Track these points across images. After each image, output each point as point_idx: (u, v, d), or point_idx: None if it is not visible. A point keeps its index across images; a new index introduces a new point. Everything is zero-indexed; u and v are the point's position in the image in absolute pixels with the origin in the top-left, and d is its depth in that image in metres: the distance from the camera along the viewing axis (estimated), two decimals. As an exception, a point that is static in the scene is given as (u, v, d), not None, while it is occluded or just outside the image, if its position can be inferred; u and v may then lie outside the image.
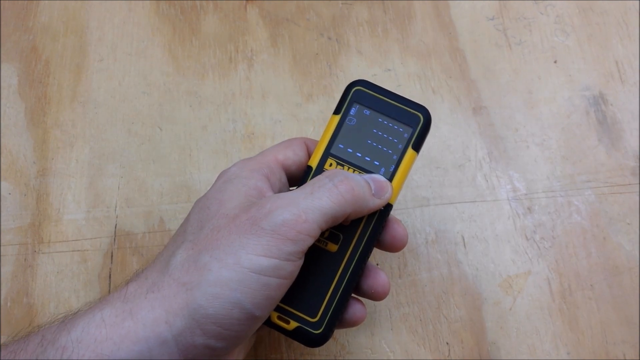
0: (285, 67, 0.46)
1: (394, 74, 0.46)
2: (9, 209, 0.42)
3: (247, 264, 0.25)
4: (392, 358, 0.38)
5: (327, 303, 0.30)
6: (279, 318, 0.30)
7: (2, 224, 0.41)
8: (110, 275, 0.40)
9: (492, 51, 0.47)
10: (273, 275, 0.26)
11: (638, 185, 0.43)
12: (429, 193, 0.43)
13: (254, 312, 0.26)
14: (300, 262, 0.28)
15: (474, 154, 0.44)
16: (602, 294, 0.40)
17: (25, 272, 0.40)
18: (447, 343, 0.39)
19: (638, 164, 0.43)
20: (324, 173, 0.30)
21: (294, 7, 0.48)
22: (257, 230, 0.26)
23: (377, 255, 0.41)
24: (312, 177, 0.31)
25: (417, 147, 0.32)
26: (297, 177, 0.33)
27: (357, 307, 0.32)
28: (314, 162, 0.32)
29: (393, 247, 0.32)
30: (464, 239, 0.41)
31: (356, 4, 0.49)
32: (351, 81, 0.33)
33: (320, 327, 0.30)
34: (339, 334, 0.39)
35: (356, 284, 0.32)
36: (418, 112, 0.32)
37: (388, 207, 0.31)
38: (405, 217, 0.42)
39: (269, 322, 0.30)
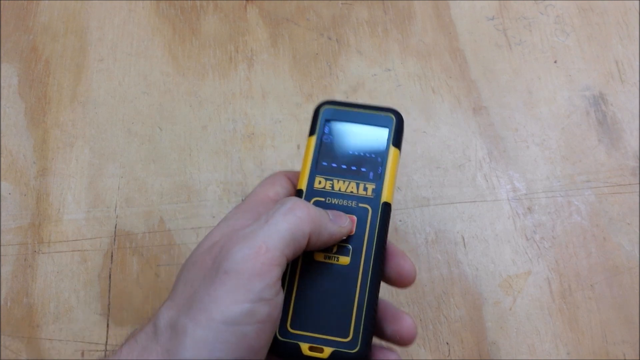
0: (285, 67, 0.46)
1: (394, 74, 0.46)
2: (9, 209, 0.42)
3: (219, 317, 0.24)
4: (392, 358, 0.38)
5: (356, 318, 0.28)
6: (311, 349, 0.28)
7: (2, 224, 0.41)
8: (110, 275, 0.40)
9: (492, 51, 0.47)
10: (248, 323, 0.25)
11: (638, 185, 0.43)
12: (429, 193, 0.43)
13: None
14: (278, 300, 0.26)
15: (474, 154, 0.44)
16: (602, 294, 0.40)
17: (25, 272, 0.40)
18: (447, 343, 0.39)
19: (638, 164, 0.43)
20: (277, 202, 0.29)
21: (294, 7, 0.48)
22: (221, 275, 0.25)
23: (377, 255, 0.41)
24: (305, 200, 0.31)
25: (397, 145, 0.32)
26: None
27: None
28: (302, 185, 0.31)
29: (400, 283, 0.31)
30: (464, 239, 0.41)
31: (356, 4, 0.49)
32: (319, 102, 0.33)
33: (356, 346, 0.28)
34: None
35: (379, 326, 0.30)
36: (388, 113, 0.33)
37: (387, 206, 0.31)
38: (405, 217, 0.42)
39: (301, 357, 0.28)
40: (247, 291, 0.25)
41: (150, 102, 0.45)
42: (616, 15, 0.48)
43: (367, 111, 0.33)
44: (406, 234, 0.41)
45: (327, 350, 0.28)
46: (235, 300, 0.25)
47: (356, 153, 0.32)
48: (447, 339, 0.39)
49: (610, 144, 0.44)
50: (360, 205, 0.31)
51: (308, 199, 0.31)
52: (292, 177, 0.33)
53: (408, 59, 0.47)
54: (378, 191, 0.31)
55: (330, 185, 0.31)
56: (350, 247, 0.30)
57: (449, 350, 0.39)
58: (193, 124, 0.45)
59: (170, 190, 0.43)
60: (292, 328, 0.29)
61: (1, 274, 0.40)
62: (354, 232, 0.30)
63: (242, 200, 0.32)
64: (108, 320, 0.39)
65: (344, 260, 0.30)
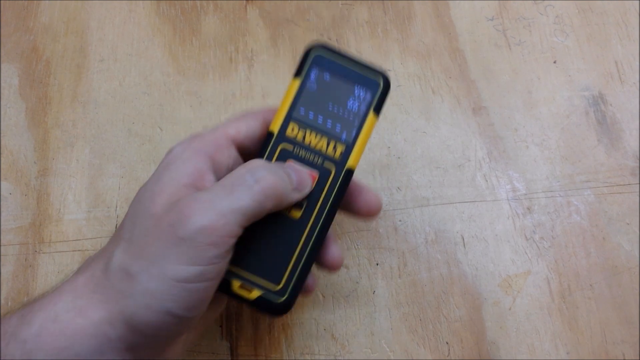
0: (286, 67, 0.46)
1: (394, 74, 0.46)
2: (10, 209, 0.42)
3: (171, 274, 0.25)
4: (392, 358, 0.38)
5: (291, 270, 0.29)
6: (241, 287, 0.29)
7: (2, 223, 0.41)
8: (110, 275, 0.40)
9: (491, 51, 0.47)
10: (199, 281, 0.26)
11: (637, 185, 0.43)
12: (429, 193, 0.43)
13: (186, 315, 0.26)
14: (228, 258, 0.27)
15: (473, 154, 0.44)
16: (602, 294, 0.40)
17: (25, 272, 0.40)
18: (447, 343, 0.39)
19: (637, 164, 0.43)
20: (244, 165, 0.28)
21: (294, 8, 0.48)
22: (176, 240, 0.26)
23: (376, 255, 0.41)
24: (273, 144, 0.30)
25: (378, 111, 0.31)
26: (253, 152, 0.31)
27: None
28: (275, 127, 0.31)
29: (368, 213, 0.32)
30: (463, 239, 0.42)
31: (356, 4, 0.49)
32: (310, 44, 0.32)
33: (284, 295, 0.29)
34: (339, 333, 0.39)
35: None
36: (378, 75, 0.32)
37: (350, 173, 0.31)
38: (405, 217, 0.42)
39: (229, 293, 0.29)
40: (200, 257, 0.26)
41: (150, 102, 0.45)
42: (616, 15, 0.48)
43: (357, 68, 0.31)
44: (406, 234, 0.41)
45: (255, 293, 0.29)
46: (187, 263, 0.26)
47: (335, 110, 0.31)
48: (446, 339, 0.39)
49: (609, 144, 0.44)
50: (325, 164, 0.30)
51: (276, 144, 0.30)
52: (269, 118, 0.32)
53: (408, 59, 0.47)
54: (346, 155, 0.31)
55: (302, 135, 0.31)
56: (304, 202, 0.30)
57: (449, 350, 0.39)
58: (193, 124, 0.45)
59: (171, 190, 0.43)
60: (229, 264, 0.29)
61: (2, 274, 0.40)
62: (312, 188, 0.30)
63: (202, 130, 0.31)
64: (108, 320, 0.39)
65: (296, 214, 0.30)
